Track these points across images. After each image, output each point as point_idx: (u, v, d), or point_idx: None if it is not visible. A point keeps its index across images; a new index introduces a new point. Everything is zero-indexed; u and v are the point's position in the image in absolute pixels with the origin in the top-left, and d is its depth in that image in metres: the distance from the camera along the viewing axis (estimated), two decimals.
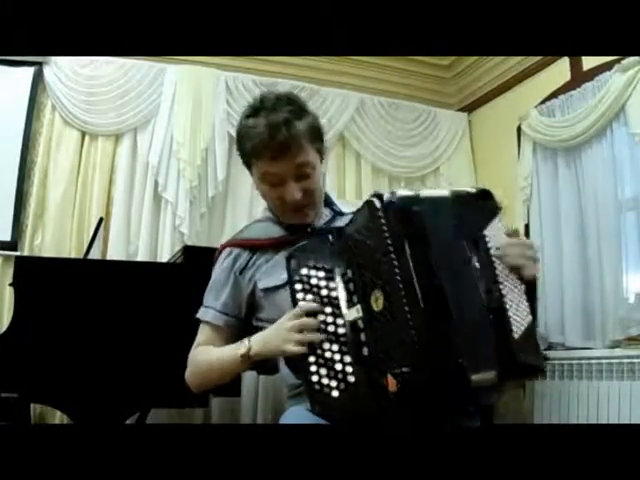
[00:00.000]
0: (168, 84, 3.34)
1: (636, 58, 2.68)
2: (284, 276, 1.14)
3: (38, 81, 3.19)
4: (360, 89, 3.78)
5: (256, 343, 1.15)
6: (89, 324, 1.96)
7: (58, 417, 2.76)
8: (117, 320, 1.99)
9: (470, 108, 4.03)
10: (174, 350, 1.96)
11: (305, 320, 1.06)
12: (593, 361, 2.66)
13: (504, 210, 1.14)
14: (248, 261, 1.30)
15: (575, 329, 2.92)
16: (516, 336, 0.98)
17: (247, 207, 3.37)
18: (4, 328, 1.98)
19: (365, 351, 1.00)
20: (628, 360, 2.52)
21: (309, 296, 1.08)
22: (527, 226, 3.27)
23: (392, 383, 0.92)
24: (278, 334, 1.10)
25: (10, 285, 2.06)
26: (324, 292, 1.07)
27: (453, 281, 0.98)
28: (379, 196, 1.02)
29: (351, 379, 1.00)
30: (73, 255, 3.04)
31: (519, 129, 3.42)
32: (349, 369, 1.00)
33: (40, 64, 3.17)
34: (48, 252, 3.02)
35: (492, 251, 1.05)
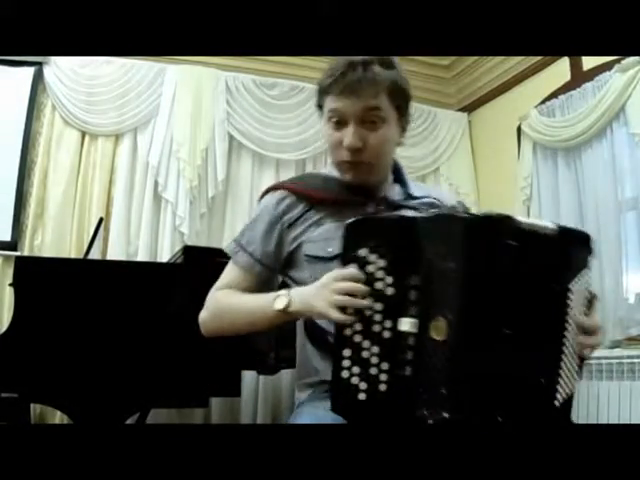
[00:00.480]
0: (168, 84, 3.34)
1: (636, 58, 2.69)
2: (331, 249, 1.06)
3: (38, 81, 3.19)
4: None
5: (297, 299, 1.03)
6: (89, 324, 1.96)
7: (58, 417, 2.76)
8: (117, 320, 1.99)
9: (470, 108, 4.03)
10: (174, 350, 1.98)
11: (355, 285, 0.92)
12: (593, 361, 2.65)
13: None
14: (300, 216, 1.17)
15: None
16: (557, 404, 0.92)
17: (247, 207, 3.38)
18: (4, 328, 1.98)
19: (407, 371, 0.89)
20: (628, 360, 2.52)
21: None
22: None
23: (426, 421, 0.87)
24: (323, 294, 0.96)
25: (10, 285, 2.06)
26: (379, 285, 0.91)
27: (522, 336, 0.88)
28: (469, 213, 0.89)
29: (382, 388, 0.90)
30: (73, 255, 3.04)
31: (519, 129, 3.42)
32: (383, 377, 0.91)
33: (40, 64, 3.18)
34: (48, 252, 3.02)
35: (569, 311, 0.92)
